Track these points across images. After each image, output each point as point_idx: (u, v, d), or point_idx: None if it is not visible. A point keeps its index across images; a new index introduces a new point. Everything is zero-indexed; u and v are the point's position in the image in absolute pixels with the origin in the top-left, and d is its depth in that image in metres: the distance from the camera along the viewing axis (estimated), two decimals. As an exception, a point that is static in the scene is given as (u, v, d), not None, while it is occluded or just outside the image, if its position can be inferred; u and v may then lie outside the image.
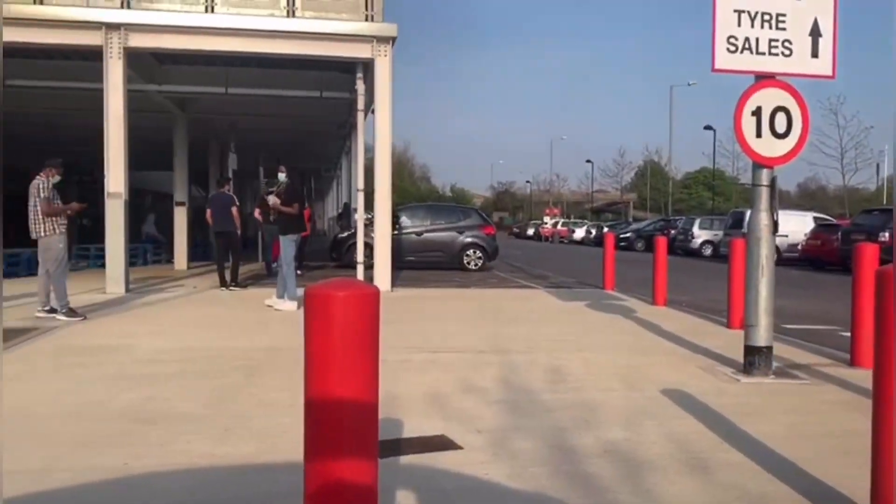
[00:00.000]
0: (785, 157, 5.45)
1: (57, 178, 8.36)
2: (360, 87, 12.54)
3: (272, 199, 9.45)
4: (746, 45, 5.34)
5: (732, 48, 5.31)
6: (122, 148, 11.26)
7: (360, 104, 12.62)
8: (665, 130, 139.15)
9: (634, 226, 40.70)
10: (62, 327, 7.83)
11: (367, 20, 11.84)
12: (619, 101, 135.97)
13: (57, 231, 8.24)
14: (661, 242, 10.93)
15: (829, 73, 5.53)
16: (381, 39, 11.74)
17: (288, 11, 11.65)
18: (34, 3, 11.00)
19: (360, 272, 12.32)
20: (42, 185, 8.19)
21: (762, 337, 5.47)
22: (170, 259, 17.44)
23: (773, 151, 5.41)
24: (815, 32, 5.44)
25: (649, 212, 66.42)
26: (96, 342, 7.05)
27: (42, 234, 8.20)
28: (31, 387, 5.24)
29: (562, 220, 54.99)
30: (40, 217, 8.15)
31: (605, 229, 39.69)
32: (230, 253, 12.21)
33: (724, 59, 5.31)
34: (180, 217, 16.76)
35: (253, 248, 17.36)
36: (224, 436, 4.09)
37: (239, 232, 12.43)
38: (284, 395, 4.94)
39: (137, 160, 20.22)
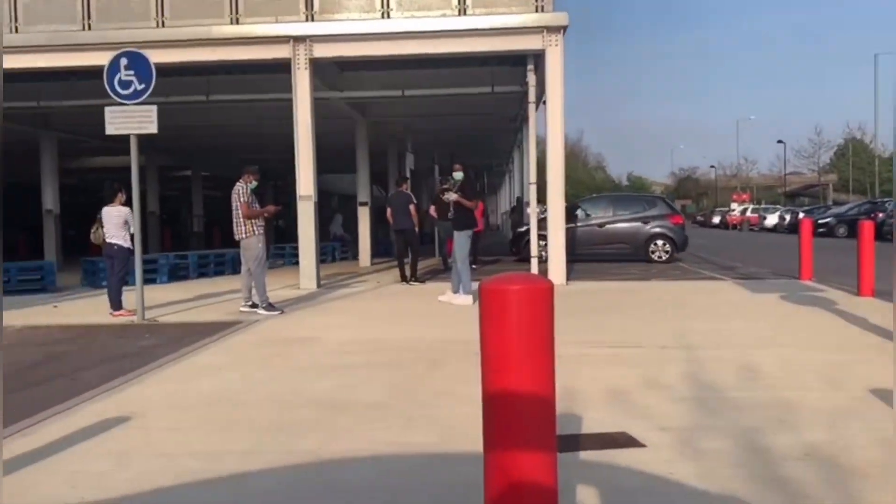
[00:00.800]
0: None
1: (254, 184, 9.08)
2: (532, 79, 12.50)
3: (453, 196, 9.66)
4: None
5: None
6: (311, 153, 12.02)
7: (532, 96, 12.58)
8: (869, 104, 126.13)
9: (835, 210, 37.33)
10: (263, 321, 8.51)
11: (536, 11, 11.77)
12: (813, 75, 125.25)
13: (256, 232, 8.96)
14: (867, 227, 9.91)
15: None
16: (552, 29, 11.62)
17: (459, 10, 11.85)
18: (231, 23, 12.03)
19: (534, 266, 12.29)
20: (241, 190, 8.95)
21: None
22: (355, 256, 18.41)
23: None
24: None
25: (852, 194, 60.55)
26: (292, 334, 7.59)
27: (243, 235, 8.96)
28: (236, 375, 5.74)
29: (751, 206, 51.58)
30: (241, 220, 8.90)
31: (801, 215, 36.68)
32: (410, 249, 12.66)
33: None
34: (363, 216, 17.63)
35: (430, 244, 17.90)
36: (407, 425, 4.24)
37: (417, 229, 12.85)
38: (464, 386, 5.03)
39: (324, 164, 21.61)
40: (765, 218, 44.62)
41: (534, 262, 12.43)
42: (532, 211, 12.75)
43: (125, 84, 8.44)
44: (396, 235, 12.90)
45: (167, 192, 29.97)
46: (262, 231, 9.04)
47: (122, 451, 3.83)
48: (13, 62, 12.32)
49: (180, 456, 3.74)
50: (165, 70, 12.35)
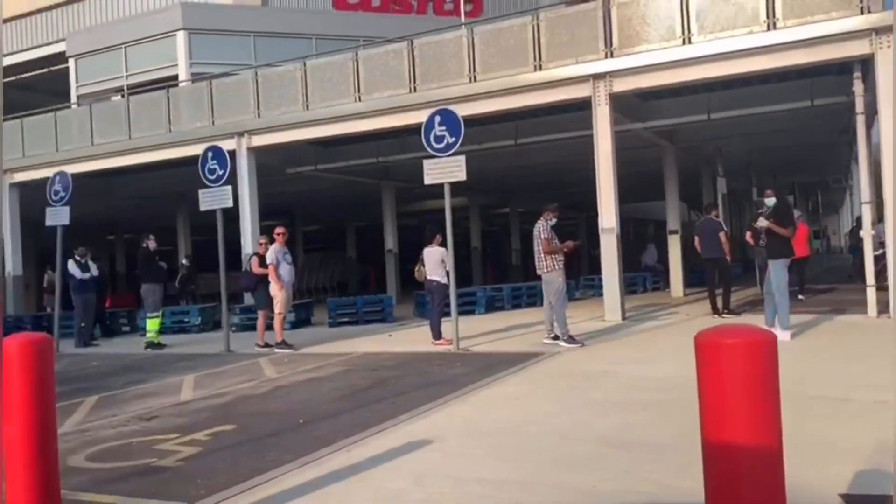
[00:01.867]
0: None
1: (554, 220, 9.48)
2: (859, 87, 11.20)
3: (763, 223, 9.05)
4: None
5: None
6: (612, 186, 12.14)
7: (860, 106, 11.25)
8: None
9: None
10: (563, 353, 8.81)
11: (861, 13, 10.55)
12: None
13: (556, 267, 9.34)
14: None
15: None
16: (881, 31, 10.32)
17: (768, 25, 11.11)
18: (534, 70, 12.74)
19: (870, 296, 10.86)
20: (542, 227, 9.41)
21: None
22: (667, 286, 17.94)
23: None
24: None
25: None
26: (588, 368, 7.76)
27: (544, 269, 9.39)
28: (528, 405, 6.08)
29: None
30: (542, 255, 9.36)
31: None
32: (721, 279, 12.04)
33: None
34: (674, 245, 17.14)
35: (751, 273, 16.74)
36: (686, 469, 4.15)
37: (728, 257, 12.18)
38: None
39: (633, 193, 21.50)
40: None
41: (870, 292, 11.00)
42: (866, 233, 11.33)
43: (439, 138, 9.46)
44: (706, 264, 12.37)
45: (489, 228, 32.10)
46: (561, 266, 9.39)
47: (420, 473, 4.34)
48: (359, 126, 14.51)
49: (468, 481, 4.13)
50: (478, 120, 13.60)
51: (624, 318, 12.12)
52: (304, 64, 15.07)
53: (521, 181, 23.52)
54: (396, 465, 4.52)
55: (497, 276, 26.19)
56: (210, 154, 11.01)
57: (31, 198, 16.86)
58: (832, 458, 4.16)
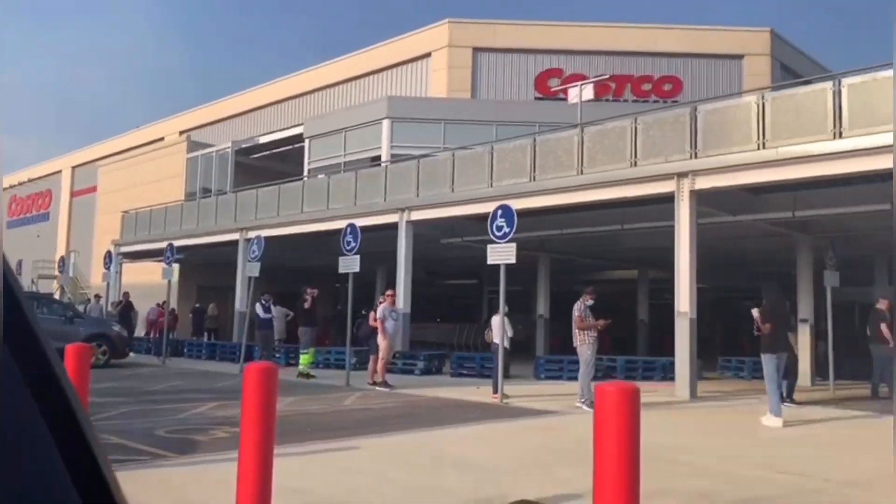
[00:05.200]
0: None
1: (591, 301, 11.21)
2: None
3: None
4: None
5: None
6: (689, 274, 13.33)
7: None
8: None
9: None
10: (575, 414, 10.45)
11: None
12: None
13: (587, 341, 11.03)
14: None
15: None
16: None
17: (834, 133, 11.87)
18: (630, 166, 14.42)
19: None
20: (578, 306, 11.18)
21: None
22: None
23: None
24: None
25: None
26: (581, 428, 9.43)
27: (577, 343, 11.13)
28: (475, 441, 8.08)
29: None
30: (576, 330, 11.11)
31: None
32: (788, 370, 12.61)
33: None
34: (803, 334, 17.24)
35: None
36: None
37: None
38: None
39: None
40: None
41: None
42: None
43: (499, 227, 11.70)
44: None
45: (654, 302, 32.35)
46: (592, 340, 11.05)
47: (359, 458, 6.70)
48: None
49: (372, 473, 6.42)
50: (589, 206, 15.54)
51: (693, 396, 13.12)
52: (454, 155, 18.06)
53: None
54: (346, 454, 6.93)
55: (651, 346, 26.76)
56: (348, 230, 14.23)
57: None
58: None
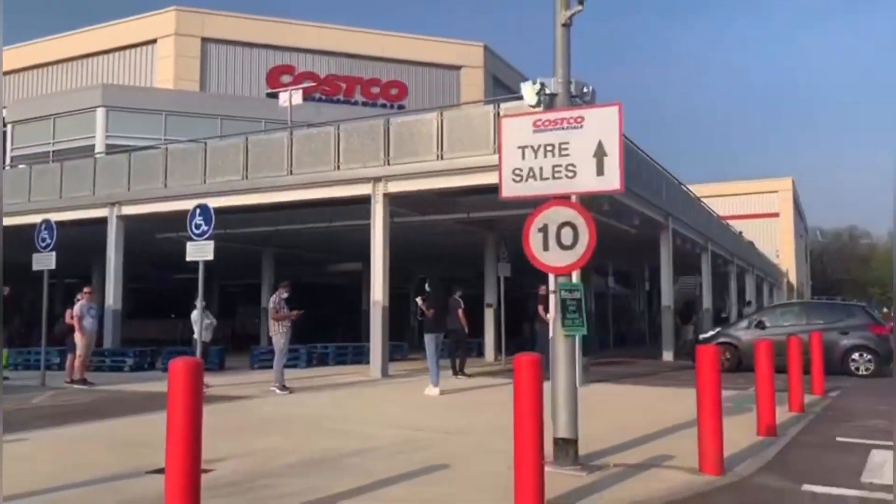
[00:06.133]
0: (573, 266, 5.98)
1: (286, 295, 12.29)
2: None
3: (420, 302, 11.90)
4: (531, 174, 6.14)
5: (517, 178, 6.18)
6: (384, 266, 14.94)
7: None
8: None
9: None
10: (267, 397, 11.47)
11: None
12: None
13: (281, 331, 12.09)
14: None
15: (617, 186, 5.89)
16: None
17: (494, 149, 14.12)
18: (334, 169, 15.74)
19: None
20: (274, 299, 12.22)
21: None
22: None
23: (562, 261, 6.00)
24: (601, 153, 5.93)
25: None
26: (264, 410, 10.43)
27: (272, 333, 12.16)
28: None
29: None
30: (271, 321, 12.14)
31: None
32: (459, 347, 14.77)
33: (510, 188, 6.22)
34: (489, 316, 19.94)
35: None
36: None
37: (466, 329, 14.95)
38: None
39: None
40: None
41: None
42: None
43: (198, 226, 12.30)
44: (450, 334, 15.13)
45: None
46: (285, 330, 12.14)
47: None
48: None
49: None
50: (297, 204, 16.60)
51: (385, 375, 14.78)
52: (167, 149, 18.15)
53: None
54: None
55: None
56: (43, 226, 13.86)
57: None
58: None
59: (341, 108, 30.31)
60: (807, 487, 5.37)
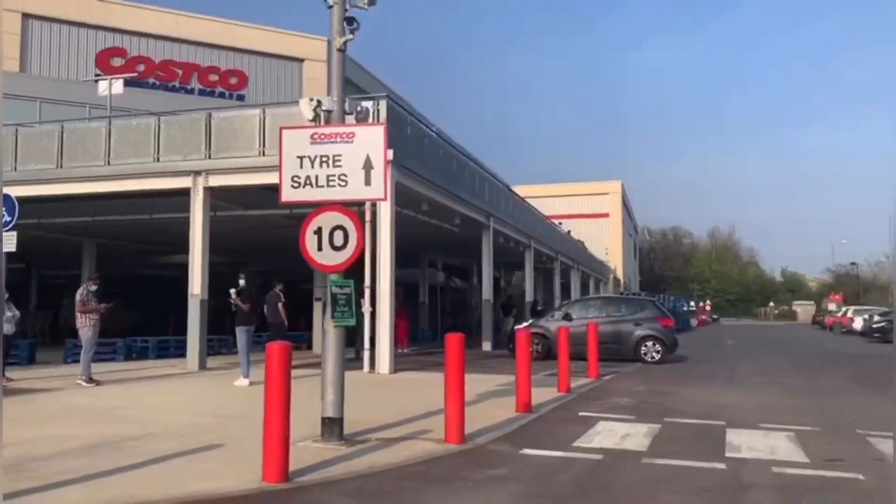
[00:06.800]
0: (343, 265, 6.75)
1: (94, 287, 12.24)
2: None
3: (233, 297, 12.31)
4: (308, 182, 6.84)
5: (296, 185, 6.86)
6: (203, 259, 15.09)
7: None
8: None
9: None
10: (71, 389, 11.43)
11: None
12: None
13: (88, 323, 12.04)
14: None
15: (381, 195, 6.73)
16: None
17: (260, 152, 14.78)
18: (154, 161, 15.66)
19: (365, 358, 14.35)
20: (82, 291, 12.14)
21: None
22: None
23: (334, 260, 6.74)
24: (368, 166, 6.72)
25: None
26: (69, 400, 10.43)
27: (78, 325, 12.09)
28: None
29: (853, 308, 48.53)
30: (78, 313, 12.05)
31: (877, 317, 34.66)
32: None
33: (289, 194, 6.90)
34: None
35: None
36: None
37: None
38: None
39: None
40: (853, 320, 42.19)
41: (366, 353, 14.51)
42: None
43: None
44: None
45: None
46: (93, 323, 12.11)
47: None
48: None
49: None
50: (115, 195, 16.31)
51: (203, 368, 14.96)
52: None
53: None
54: None
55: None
56: None
57: None
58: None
59: (176, 96, 29.59)
60: (524, 451, 6.46)
